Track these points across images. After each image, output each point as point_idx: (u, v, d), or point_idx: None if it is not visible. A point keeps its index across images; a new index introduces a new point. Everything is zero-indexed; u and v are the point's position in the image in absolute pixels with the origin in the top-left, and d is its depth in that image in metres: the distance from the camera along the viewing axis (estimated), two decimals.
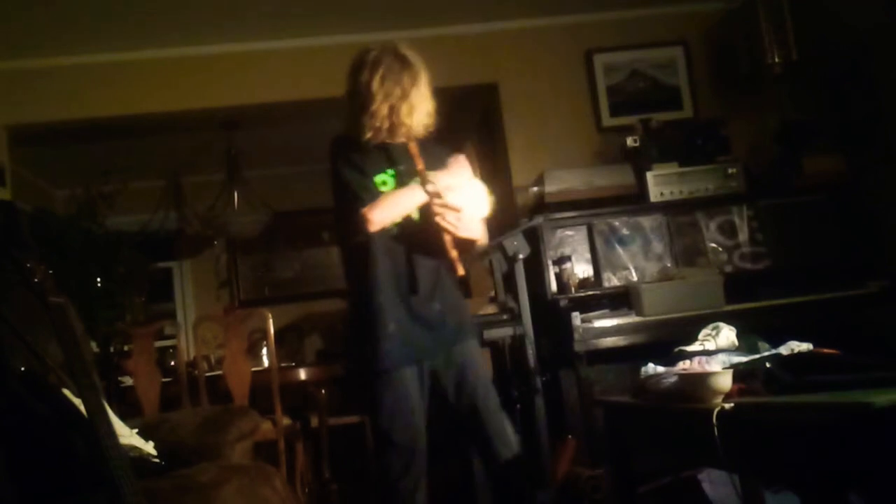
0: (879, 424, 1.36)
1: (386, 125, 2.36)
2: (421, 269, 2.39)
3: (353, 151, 2.40)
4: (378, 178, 2.40)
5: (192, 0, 3.77)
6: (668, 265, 3.66)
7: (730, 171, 3.77)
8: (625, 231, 3.71)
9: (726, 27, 4.27)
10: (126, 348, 4.03)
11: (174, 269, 6.39)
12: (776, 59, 3.92)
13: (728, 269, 3.67)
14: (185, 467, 2.17)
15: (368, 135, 2.38)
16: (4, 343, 1.85)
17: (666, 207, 3.74)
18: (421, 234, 2.37)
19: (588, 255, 3.71)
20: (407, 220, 2.38)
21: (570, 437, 3.38)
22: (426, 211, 2.36)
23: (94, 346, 3.46)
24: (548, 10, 4.32)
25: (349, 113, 2.44)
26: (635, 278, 3.63)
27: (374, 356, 2.35)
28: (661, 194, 3.74)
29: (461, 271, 2.32)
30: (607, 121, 4.33)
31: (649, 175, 3.75)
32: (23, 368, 1.85)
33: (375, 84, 2.35)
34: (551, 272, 3.65)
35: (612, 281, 3.65)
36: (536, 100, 4.34)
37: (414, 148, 2.39)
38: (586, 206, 3.73)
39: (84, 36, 3.95)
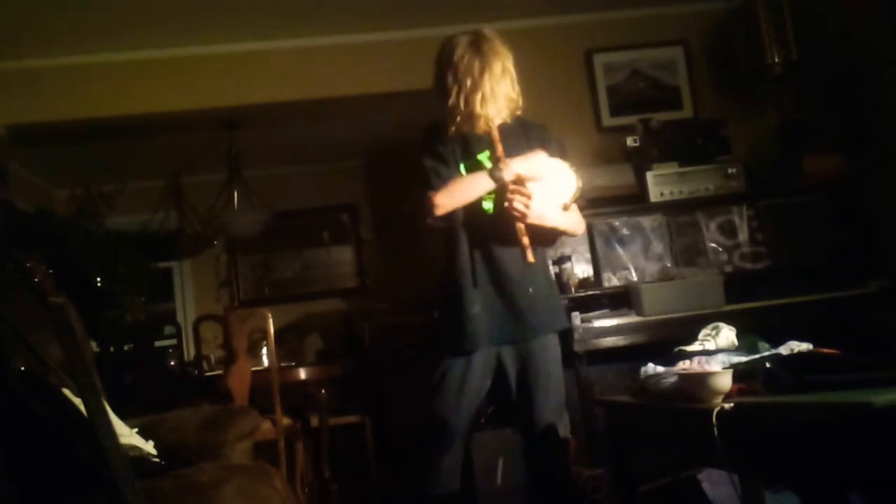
0: (879, 424, 1.36)
1: (463, 117, 2.36)
2: (511, 256, 2.36)
3: (438, 141, 2.41)
4: (461, 168, 2.40)
5: (193, 0, 3.77)
6: (668, 265, 3.66)
7: (730, 171, 3.77)
8: (625, 231, 3.71)
9: (726, 27, 4.27)
10: (126, 348, 4.03)
11: (174, 268, 6.40)
12: (776, 59, 3.92)
13: (728, 269, 3.67)
14: (185, 467, 2.17)
15: (451, 126, 2.38)
16: (5, 343, 1.85)
17: (666, 207, 3.74)
18: (507, 227, 2.33)
19: (588, 255, 3.71)
20: (483, 212, 2.36)
21: (570, 436, 3.38)
22: (498, 198, 2.33)
23: (94, 345, 3.46)
24: (548, 10, 4.31)
25: (438, 104, 2.43)
26: (635, 278, 3.63)
27: (458, 338, 2.36)
28: (661, 194, 3.74)
29: (531, 259, 2.29)
30: (607, 121, 4.33)
31: (649, 175, 3.75)
32: (23, 368, 1.85)
33: (449, 77, 2.36)
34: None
35: (612, 281, 3.65)
36: (536, 100, 4.32)
37: (496, 134, 2.36)
38: (586, 206, 3.71)
39: (84, 36, 3.95)
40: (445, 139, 2.41)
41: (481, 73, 2.33)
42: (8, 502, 1.61)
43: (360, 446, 4.59)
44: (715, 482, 2.84)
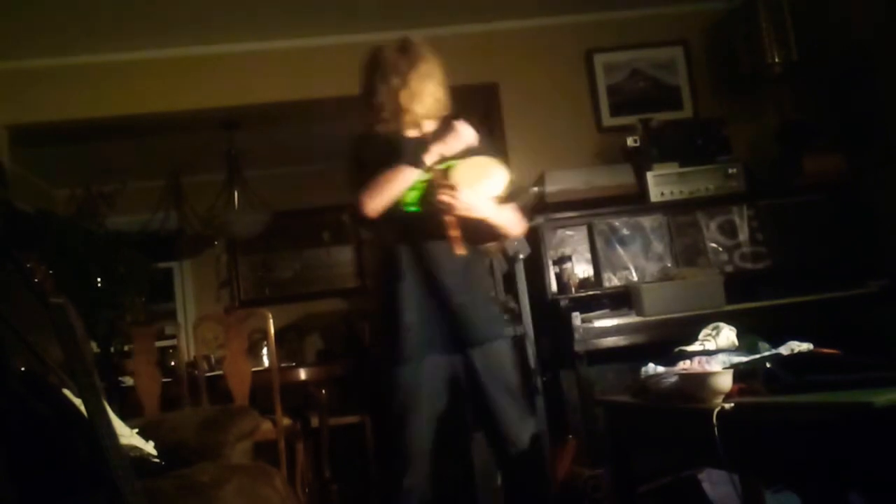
0: (879, 424, 1.36)
1: (391, 115, 2.37)
2: (445, 260, 2.34)
3: (367, 147, 2.41)
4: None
5: (193, 1, 3.77)
6: (669, 265, 3.66)
7: (730, 171, 3.77)
8: (625, 231, 3.71)
9: (726, 27, 4.27)
10: (126, 348, 4.03)
11: (174, 269, 6.40)
12: (776, 59, 3.93)
13: (728, 269, 3.67)
14: (185, 467, 2.17)
15: (378, 128, 2.39)
16: (5, 343, 1.85)
17: (666, 207, 3.74)
18: (439, 225, 2.32)
19: (588, 255, 3.70)
20: (413, 212, 2.35)
21: (570, 437, 3.39)
22: (425, 196, 2.32)
23: (94, 346, 3.46)
24: (548, 10, 4.32)
25: (362, 109, 2.44)
26: (635, 278, 3.63)
27: (393, 346, 2.34)
28: (662, 194, 3.74)
29: (460, 251, 2.28)
30: (607, 121, 4.33)
31: (649, 175, 3.75)
32: (23, 368, 1.85)
33: (377, 77, 2.37)
34: (551, 272, 3.64)
35: (612, 281, 3.65)
36: (536, 100, 4.34)
37: (425, 134, 2.37)
38: (586, 206, 3.73)
39: (84, 36, 3.95)
40: (371, 145, 2.40)
41: (409, 71, 2.35)
42: (8, 502, 1.61)
43: (360, 446, 4.59)
44: (715, 482, 2.84)
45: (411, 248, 2.35)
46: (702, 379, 1.88)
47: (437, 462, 2.37)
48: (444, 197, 2.25)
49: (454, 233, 2.29)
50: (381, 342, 2.43)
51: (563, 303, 3.51)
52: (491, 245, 2.46)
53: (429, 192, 2.31)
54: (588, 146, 4.28)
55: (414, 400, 2.34)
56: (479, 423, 2.45)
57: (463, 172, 2.31)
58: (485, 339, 2.38)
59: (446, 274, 2.34)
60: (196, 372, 3.59)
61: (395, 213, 2.33)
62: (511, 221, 2.45)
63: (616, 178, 3.84)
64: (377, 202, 2.29)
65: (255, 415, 2.70)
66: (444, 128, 2.39)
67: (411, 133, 2.42)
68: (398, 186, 2.30)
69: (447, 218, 2.28)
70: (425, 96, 2.37)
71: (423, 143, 2.35)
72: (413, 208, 2.35)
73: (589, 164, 4.12)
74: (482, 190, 2.32)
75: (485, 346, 2.37)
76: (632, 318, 3.43)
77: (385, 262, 2.38)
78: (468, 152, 2.36)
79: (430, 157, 2.30)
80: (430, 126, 2.42)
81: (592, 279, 3.66)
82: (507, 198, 2.39)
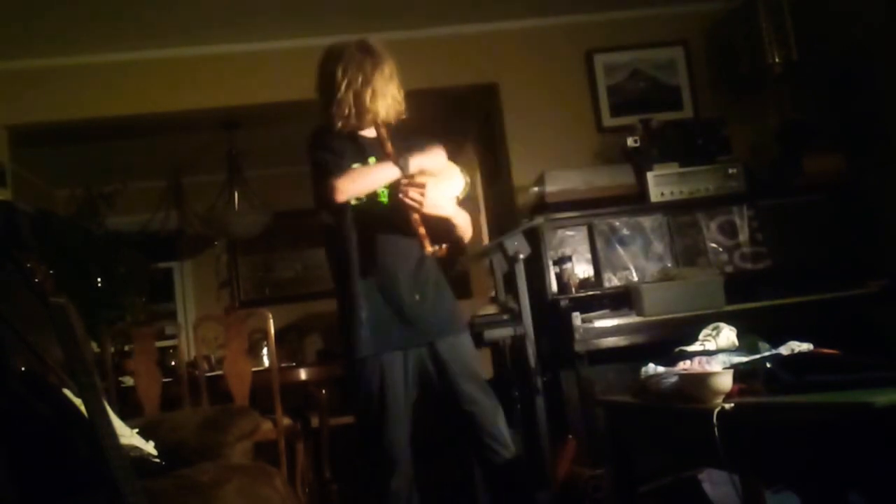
0: (879, 424, 1.36)
1: (352, 112, 2.38)
2: (401, 257, 2.38)
3: (330, 140, 2.42)
4: (355, 166, 2.40)
5: (193, 0, 3.77)
6: (669, 265, 3.65)
7: (730, 171, 3.77)
8: (625, 231, 3.71)
9: (726, 27, 4.27)
10: (126, 348, 4.03)
11: (174, 269, 6.40)
12: (776, 59, 3.93)
13: (728, 269, 3.67)
14: (185, 467, 2.17)
15: (338, 124, 2.40)
16: (5, 343, 1.85)
17: (666, 207, 3.74)
18: (401, 221, 2.34)
19: (588, 255, 3.70)
20: (378, 205, 2.37)
21: (570, 437, 3.38)
22: (393, 192, 2.34)
23: (94, 346, 3.46)
24: (548, 10, 4.32)
25: (321, 107, 2.45)
26: (636, 278, 3.63)
27: (350, 343, 2.37)
28: (662, 194, 3.74)
29: (429, 248, 2.30)
30: (607, 121, 4.33)
31: (650, 175, 3.75)
32: (23, 368, 1.85)
33: (339, 73, 2.37)
34: (552, 272, 3.64)
35: (612, 281, 3.65)
36: (536, 100, 4.34)
37: (383, 133, 2.39)
38: (587, 206, 3.73)
39: (84, 36, 3.95)
40: (335, 139, 2.41)
41: (373, 70, 2.37)
42: (8, 502, 1.61)
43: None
44: (715, 482, 2.84)
45: (367, 245, 2.38)
46: (702, 379, 1.88)
47: (431, 463, 2.39)
48: (414, 194, 2.27)
49: (422, 230, 2.31)
50: (340, 340, 2.45)
51: (564, 303, 3.51)
52: (440, 250, 2.46)
53: (396, 189, 2.33)
54: (588, 146, 4.28)
55: (381, 400, 2.34)
56: (452, 416, 2.45)
57: (428, 172, 2.34)
58: (445, 333, 2.41)
59: (403, 270, 2.38)
60: (196, 372, 3.58)
61: (363, 206, 2.36)
62: (467, 224, 2.48)
63: (616, 178, 3.84)
64: (352, 189, 2.31)
65: (255, 415, 2.70)
66: (415, 141, 2.42)
67: (369, 133, 2.45)
68: (376, 181, 2.34)
69: (414, 216, 2.30)
70: (388, 97, 2.39)
71: (382, 142, 2.38)
72: (383, 203, 2.39)
73: (589, 164, 4.12)
74: (445, 191, 2.37)
75: (449, 340, 2.40)
76: (632, 319, 3.43)
77: (343, 259, 2.40)
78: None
79: (413, 164, 2.32)
80: (383, 120, 2.42)
81: (592, 279, 3.66)
82: (460, 203, 2.43)
